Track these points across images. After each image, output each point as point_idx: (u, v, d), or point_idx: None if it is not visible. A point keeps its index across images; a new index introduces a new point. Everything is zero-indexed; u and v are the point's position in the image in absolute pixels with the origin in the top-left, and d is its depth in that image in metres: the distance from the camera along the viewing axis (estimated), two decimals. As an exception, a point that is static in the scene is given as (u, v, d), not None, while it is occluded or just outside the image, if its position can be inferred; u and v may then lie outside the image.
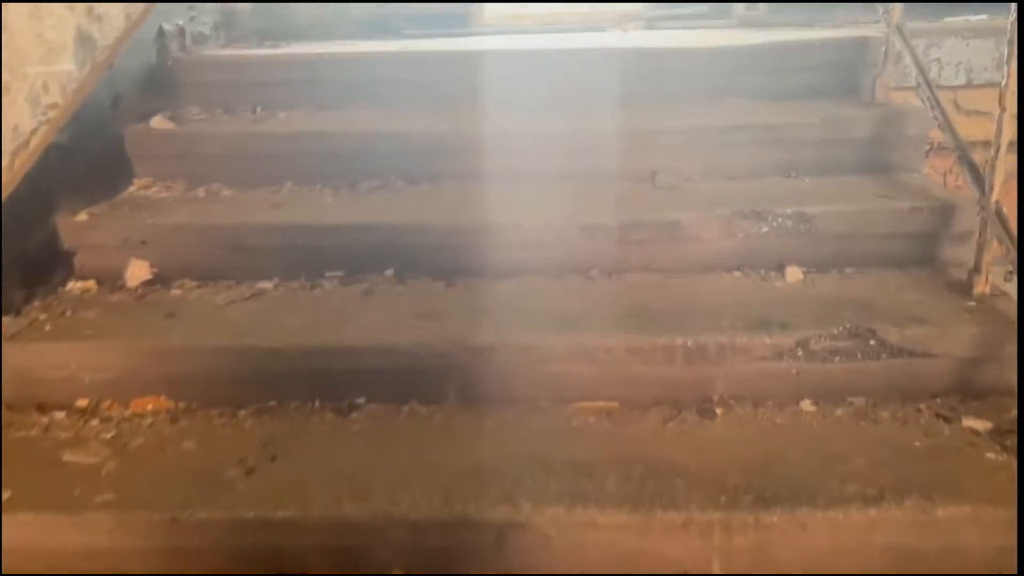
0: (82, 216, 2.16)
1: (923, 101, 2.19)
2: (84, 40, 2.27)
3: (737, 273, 2.07)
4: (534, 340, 1.76)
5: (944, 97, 2.28)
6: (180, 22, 2.78)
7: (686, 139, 2.36)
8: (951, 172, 2.92)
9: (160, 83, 2.64)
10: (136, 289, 2.11)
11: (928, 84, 2.17)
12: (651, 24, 5.62)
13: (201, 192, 2.39)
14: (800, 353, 1.74)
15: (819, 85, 2.64)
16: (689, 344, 1.73)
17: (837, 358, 1.75)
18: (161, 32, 2.66)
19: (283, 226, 2.10)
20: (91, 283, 2.13)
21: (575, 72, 2.67)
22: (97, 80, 2.31)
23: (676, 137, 2.36)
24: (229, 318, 1.92)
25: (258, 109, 2.70)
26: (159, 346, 1.81)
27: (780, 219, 2.05)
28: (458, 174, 2.40)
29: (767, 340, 1.73)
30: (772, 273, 2.06)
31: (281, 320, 1.89)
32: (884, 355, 1.74)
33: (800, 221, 2.04)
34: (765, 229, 2.05)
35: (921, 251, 2.07)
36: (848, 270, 2.06)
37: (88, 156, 2.25)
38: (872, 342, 1.74)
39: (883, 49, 2.44)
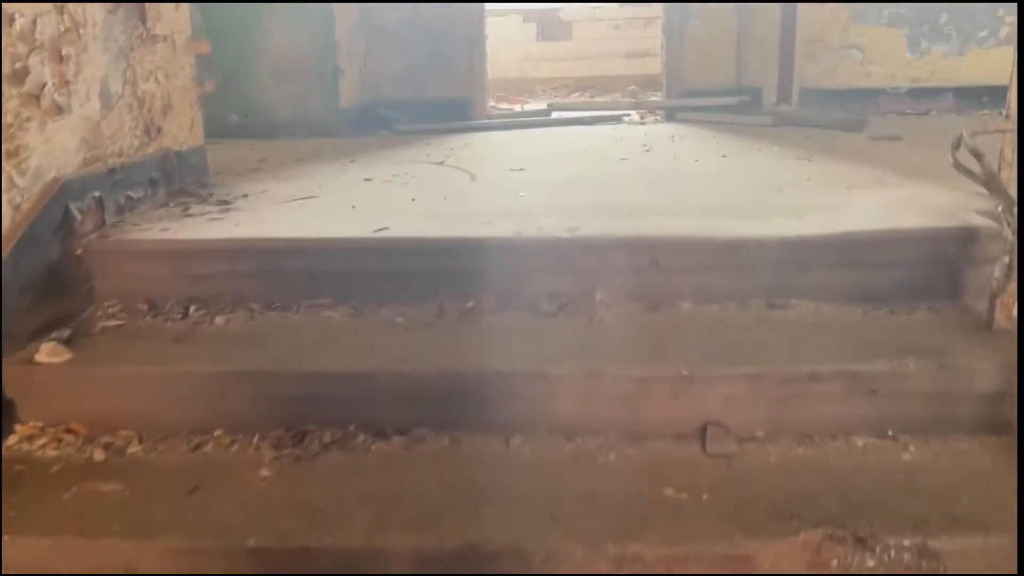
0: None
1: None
2: (-59, 262, 1.70)
3: (830, 623, 1.46)
4: None
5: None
6: (97, 193, 2.21)
7: (746, 386, 1.76)
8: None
9: (64, 282, 2.07)
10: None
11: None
12: (671, 115, 5.07)
13: (99, 452, 1.80)
14: None
15: (910, 283, 2.05)
16: None
17: None
18: (68, 215, 2.08)
19: (190, 550, 1.50)
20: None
21: (593, 269, 2.08)
22: (-38, 308, 1.75)
23: (731, 384, 1.76)
24: None
25: (191, 309, 2.12)
26: None
27: (893, 551, 1.44)
28: (439, 423, 1.81)
29: None
30: (881, 624, 1.45)
31: None
32: None
33: (922, 556, 1.43)
34: (871, 563, 1.44)
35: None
36: (989, 620, 1.45)
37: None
38: None
39: (1006, 260, 1.84)
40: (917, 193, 2.44)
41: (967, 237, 2.01)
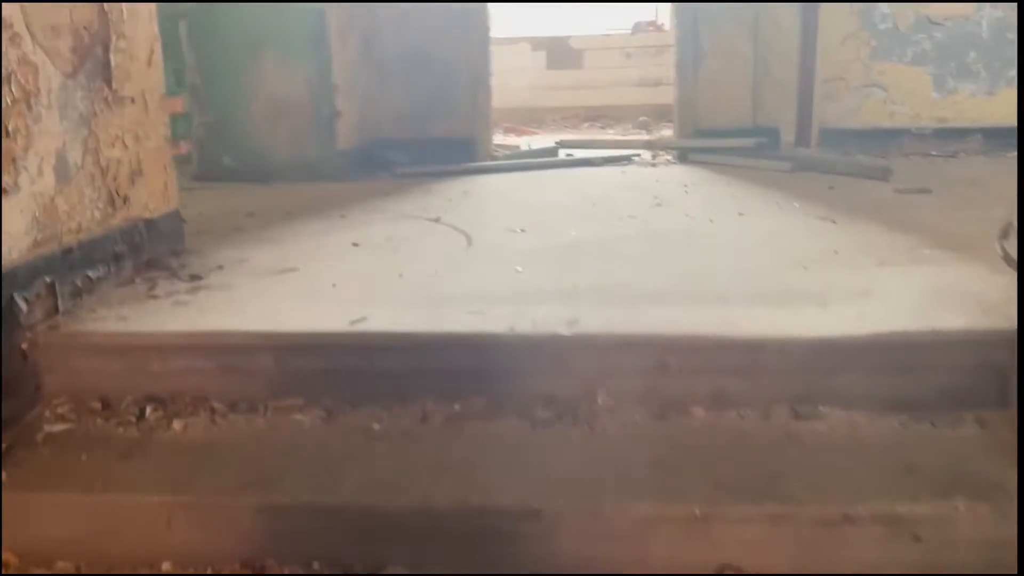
0: None
1: None
2: None
3: None
4: None
5: None
6: (49, 278, 2.01)
7: (768, 528, 1.52)
8: None
9: (8, 381, 1.85)
10: None
11: None
12: (683, 156, 4.84)
13: (28, 595, 1.59)
14: None
15: (954, 391, 1.80)
16: None
17: None
18: (13, 307, 1.88)
19: None
20: None
21: (594, 370, 1.86)
22: None
23: (752, 526, 1.52)
24: None
25: (147, 410, 1.91)
26: None
27: None
28: (414, 563, 1.58)
29: None
30: None
31: None
32: None
33: None
34: None
35: None
36: None
37: None
38: None
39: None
40: (957, 274, 2.19)
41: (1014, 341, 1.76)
